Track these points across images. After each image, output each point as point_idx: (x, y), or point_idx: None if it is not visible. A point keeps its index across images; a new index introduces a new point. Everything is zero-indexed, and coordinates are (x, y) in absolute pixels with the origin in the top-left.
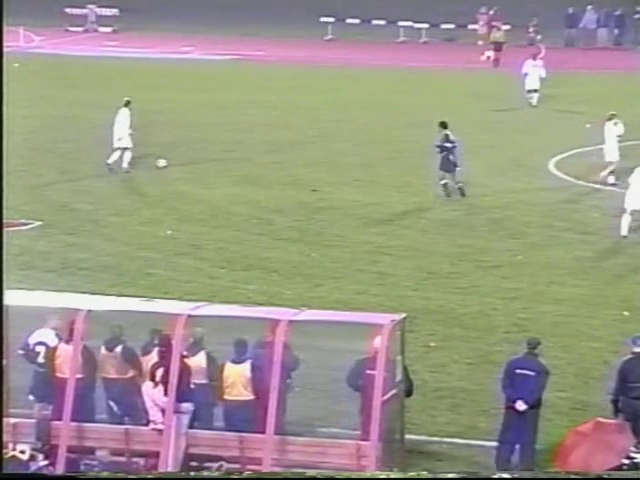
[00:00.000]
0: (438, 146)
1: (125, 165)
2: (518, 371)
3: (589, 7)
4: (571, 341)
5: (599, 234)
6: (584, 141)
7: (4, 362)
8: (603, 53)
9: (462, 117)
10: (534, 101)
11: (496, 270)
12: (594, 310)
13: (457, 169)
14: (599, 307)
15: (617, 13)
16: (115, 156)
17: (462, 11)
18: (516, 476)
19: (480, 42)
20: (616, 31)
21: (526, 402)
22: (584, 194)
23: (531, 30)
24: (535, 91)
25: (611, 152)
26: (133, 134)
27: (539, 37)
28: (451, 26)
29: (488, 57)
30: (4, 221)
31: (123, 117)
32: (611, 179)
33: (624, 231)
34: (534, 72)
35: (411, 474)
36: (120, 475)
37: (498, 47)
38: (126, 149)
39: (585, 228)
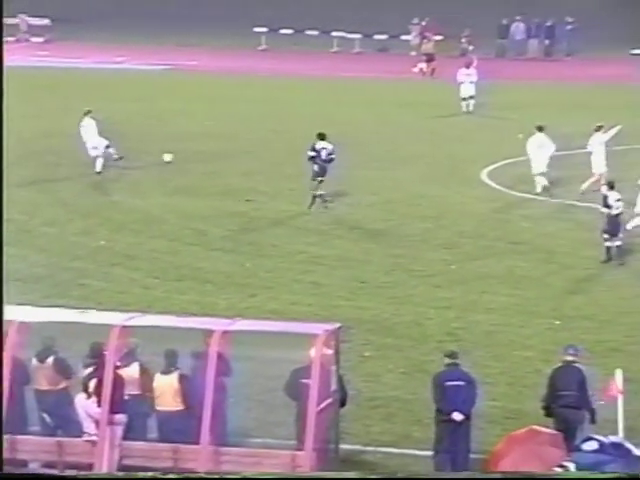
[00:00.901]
0: (311, 157)
1: (98, 169)
2: (448, 383)
3: (519, 18)
4: (503, 350)
5: (530, 244)
6: (516, 151)
7: None
8: (533, 63)
9: (395, 127)
10: (470, 108)
11: (429, 279)
12: (526, 319)
13: (322, 179)
14: (531, 316)
15: (548, 24)
16: (99, 164)
17: (395, 22)
18: (510, 477)
19: (413, 53)
20: (547, 42)
21: (462, 412)
22: (516, 204)
23: (463, 41)
24: (471, 98)
25: (599, 163)
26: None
27: (471, 47)
28: (384, 37)
29: (420, 69)
30: None
31: (90, 126)
32: (604, 189)
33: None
34: (467, 80)
35: (414, 474)
36: (119, 475)
37: (430, 58)
38: (97, 157)
39: (517, 238)
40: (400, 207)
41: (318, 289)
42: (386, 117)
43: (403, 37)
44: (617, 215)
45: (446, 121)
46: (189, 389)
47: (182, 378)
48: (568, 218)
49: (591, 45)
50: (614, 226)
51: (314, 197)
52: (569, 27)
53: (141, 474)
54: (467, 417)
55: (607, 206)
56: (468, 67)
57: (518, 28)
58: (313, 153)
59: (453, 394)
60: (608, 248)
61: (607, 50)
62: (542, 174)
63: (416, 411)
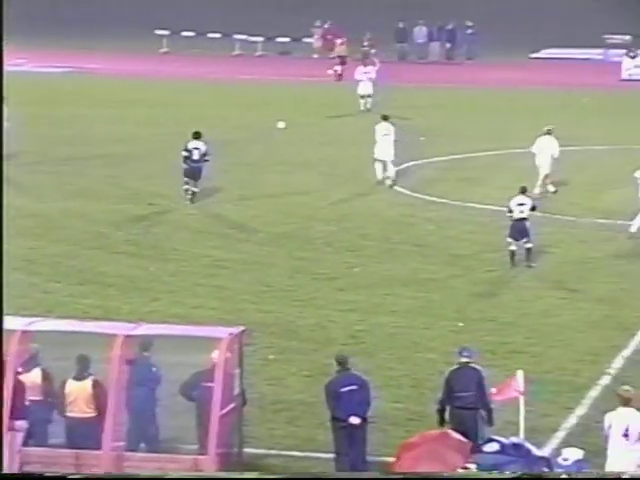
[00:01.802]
0: (185, 156)
1: None
2: (342, 390)
3: (420, 22)
4: (407, 352)
5: (434, 247)
6: (419, 154)
7: None
8: (435, 67)
9: (298, 129)
10: (368, 105)
11: (333, 282)
12: (429, 321)
13: (193, 179)
14: (434, 318)
15: (449, 27)
16: None
17: (297, 24)
18: (509, 476)
19: (315, 55)
20: (448, 45)
21: (358, 416)
22: (419, 207)
23: (365, 44)
24: (369, 96)
25: (546, 163)
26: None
27: (373, 51)
28: (286, 39)
29: (335, 71)
30: None
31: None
32: (552, 188)
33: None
34: (365, 77)
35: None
36: (119, 475)
37: (343, 61)
38: None
39: (421, 240)
40: (304, 210)
41: (222, 293)
42: (289, 120)
43: (305, 40)
44: (519, 220)
45: (349, 124)
46: (104, 395)
47: (96, 384)
48: (471, 221)
49: (491, 49)
50: (515, 230)
51: (192, 195)
52: (469, 31)
53: (142, 474)
54: (364, 420)
55: (510, 210)
56: (366, 65)
57: (420, 32)
58: (186, 153)
59: (347, 399)
60: (512, 252)
61: (506, 54)
62: (382, 162)
63: (320, 414)
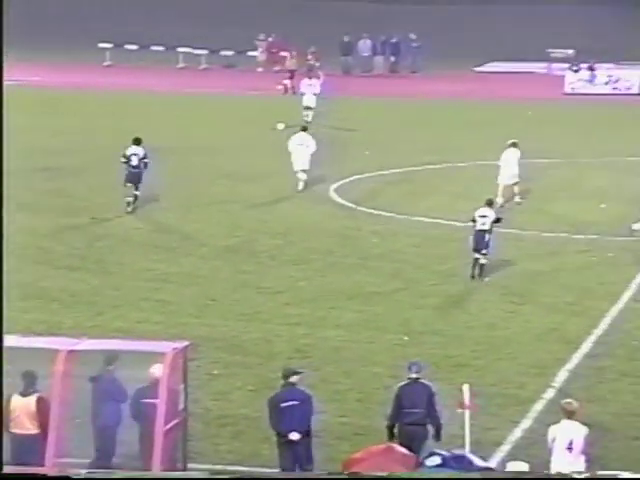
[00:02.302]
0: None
1: None
2: (283, 405)
3: (365, 35)
4: (352, 366)
5: (379, 260)
6: (364, 167)
7: None
8: (379, 80)
9: (244, 142)
10: (309, 118)
11: (278, 296)
12: (375, 335)
13: (135, 184)
14: (379, 332)
15: (393, 41)
16: None
17: (241, 38)
18: (512, 477)
19: (260, 69)
20: (392, 59)
21: (299, 431)
22: (364, 220)
23: (310, 57)
24: (310, 108)
25: (510, 173)
26: None
27: (317, 64)
28: (231, 52)
29: (285, 85)
30: None
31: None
32: (517, 199)
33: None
34: (310, 91)
35: (413, 474)
36: (119, 475)
37: (292, 75)
38: None
39: (365, 254)
40: (248, 223)
41: (166, 307)
42: (234, 132)
43: (250, 53)
44: (480, 231)
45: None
46: (47, 412)
47: (40, 400)
48: (416, 234)
49: (435, 62)
50: (475, 241)
51: (133, 200)
52: (414, 44)
53: (148, 474)
54: (307, 434)
55: (473, 220)
56: (310, 78)
57: (364, 45)
58: (123, 159)
59: (288, 414)
60: (475, 262)
61: (451, 67)
62: (304, 171)
63: (265, 429)
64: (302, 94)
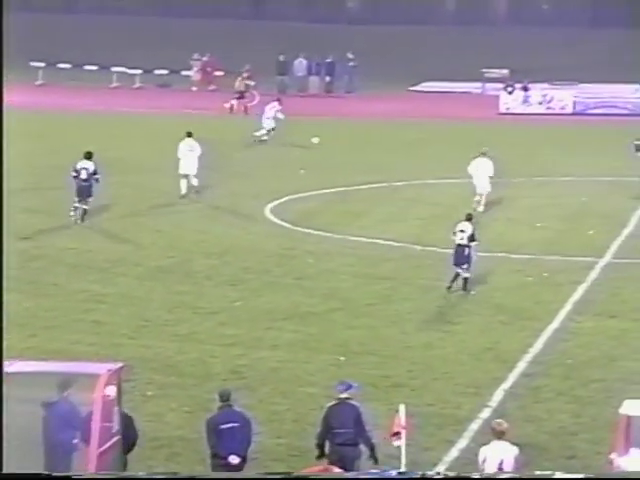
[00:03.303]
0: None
1: None
2: (223, 426)
3: (300, 54)
4: (289, 386)
5: (314, 280)
6: (299, 186)
7: None
8: (315, 100)
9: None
10: (266, 137)
11: (214, 317)
12: (311, 355)
13: (85, 198)
14: (316, 352)
15: (328, 61)
16: None
17: (176, 57)
18: (513, 476)
19: (194, 88)
20: (328, 78)
21: (239, 455)
22: (300, 240)
23: (244, 76)
24: (273, 129)
25: (483, 184)
26: None
27: (252, 83)
28: (165, 72)
29: (232, 105)
30: None
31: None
32: (481, 208)
33: None
34: (271, 113)
35: (414, 474)
36: (119, 475)
37: (241, 95)
38: None
39: (301, 274)
40: (184, 244)
41: (100, 328)
42: (168, 152)
43: (184, 72)
44: (459, 245)
45: (229, 156)
46: None
47: None
48: (351, 253)
49: (371, 82)
50: (455, 255)
51: (82, 214)
52: (351, 64)
53: (141, 474)
54: (243, 458)
55: (454, 234)
56: (280, 103)
57: (300, 65)
58: (74, 173)
59: (229, 437)
60: (456, 274)
61: (386, 87)
62: (186, 176)
63: (200, 451)
64: (263, 115)
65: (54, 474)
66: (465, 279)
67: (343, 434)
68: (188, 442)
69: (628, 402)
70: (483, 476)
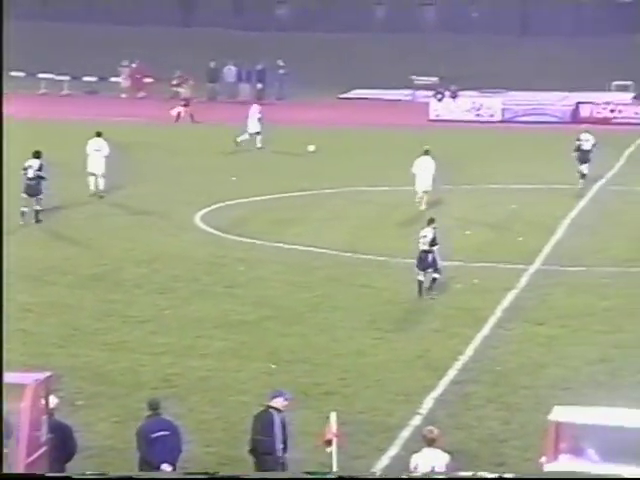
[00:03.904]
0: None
1: None
2: (154, 435)
3: (230, 61)
4: (219, 395)
5: (245, 287)
6: (230, 194)
7: None
8: (245, 106)
9: (107, 169)
10: (259, 143)
11: (143, 325)
12: (242, 363)
13: (39, 196)
14: (247, 360)
15: (259, 68)
16: None
17: (104, 64)
18: (512, 476)
19: (123, 95)
20: (259, 85)
21: (170, 463)
22: (230, 247)
23: (174, 82)
24: (258, 134)
25: (425, 182)
26: None
27: (182, 90)
28: (93, 79)
29: (178, 113)
30: None
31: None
32: (423, 207)
33: None
34: (254, 116)
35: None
36: (120, 475)
37: (186, 103)
38: None
39: (232, 281)
40: (114, 251)
41: (28, 337)
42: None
43: (113, 79)
44: (422, 251)
45: (158, 164)
46: None
47: None
48: (282, 261)
49: (302, 89)
50: (419, 260)
51: (35, 214)
52: (281, 71)
53: (142, 474)
54: (174, 467)
55: (418, 240)
56: (261, 105)
57: (229, 72)
58: (23, 171)
59: (160, 445)
60: (419, 282)
61: (316, 95)
62: (93, 175)
63: (130, 460)
64: (248, 119)
65: (54, 474)
66: (434, 279)
67: (264, 442)
68: (118, 452)
69: (557, 408)
70: (483, 476)
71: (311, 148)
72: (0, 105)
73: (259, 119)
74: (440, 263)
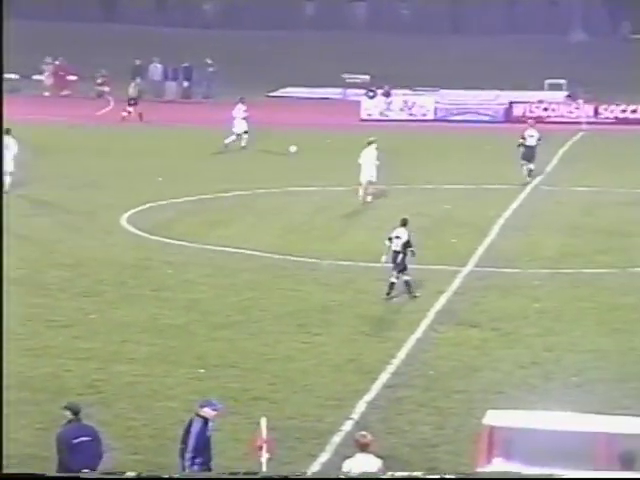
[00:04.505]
0: None
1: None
2: (75, 441)
3: (155, 59)
4: (146, 401)
5: (173, 290)
6: (157, 195)
7: None
8: (171, 105)
9: (31, 172)
10: (244, 143)
11: (68, 330)
12: (170, 368)
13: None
14: (175, 365)
15: (185, 65)
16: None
17: (26, 61)
18: (507, 477)
19: (46, 93)
20: (185, 84)
21: (92, 468)
22: (157, 250)
23: (99, 81)
24: (245, 132)
25: (368, 171)
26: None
27: (107, 89)
28: (15, 76)
29: (129, 112)
30: None
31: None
32: (369, 198)
33: None
34: (240, 115)
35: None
36: (121, 475)
37: (135, 102)
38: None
39: (159, 285)
40: (36, 254)
41: None
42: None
43: (35, 77)
44: (395, 252)
45: (81, 165)
46: None
47: None
48: (210, 264)
49: (229, 88)
50: (393, 262)
51: None
52: (210, 69)
53: (144, 474)
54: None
55: (389, 239)
56: (243, 103)
57: (155, 69)
58: None
59: (82, 451)
60: (391, 284)
61: (244, 93)
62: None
63: (51, 469)
64: (233, 118)
65: (54, 474)
66: (406, 282)
67: (180, 450)
68: (41, 460)
69: (491, 412)
70: (487, 476)
71: (293, 149)
72: (0, 105)
73: (244, 118)
74: (408, 267)
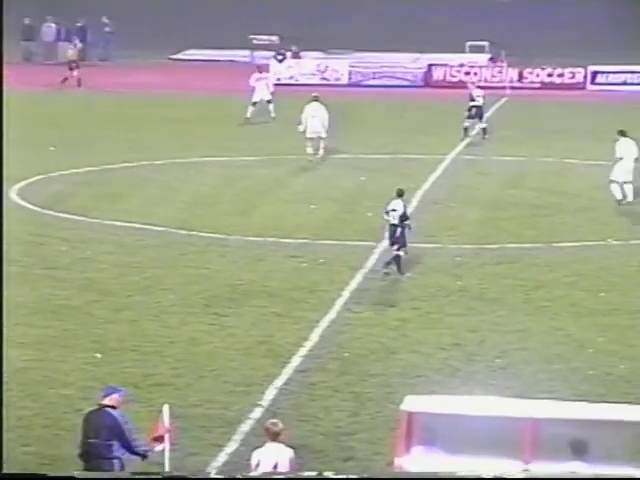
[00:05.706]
0: None
1: None
2: None
3: (48, 17)
4: (39, 388)
5: (68, 269)
6: (50, 166)
7: None
8: (65, 69)
9: None
10: (273, 114)
11: None
12: (64, 353)
13: None
14: (70, 350)
15: (79, 25)
16: None
17: None
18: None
19: None
20: (79, 45)
21: None
22: (51, 225)
23: None
24: (269, 102)
25: (316, 127)
26: None
27: None
28: None
29: (66, 77)
30: None
31: None
32: (321, 152)
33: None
34: (260, 83)
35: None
36: (123, 475)
37: (75, 66)
38: None
39: (53, 263)
40: None
41: None
42: None
43: None
44: (392, 225)
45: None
46: None
47: None
48: (109, 240)
49: (129, 50)
50: (390, 236)
51: None
52: (107, 29)
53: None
54: None
55: (387, 212)
56: (261, 71)
57: (49, 29)
58: None
59: None
60: (397, 256)
61: (145, 56)
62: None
63: None
64: (253, 88)
65: (54, 474)
66: (397, 256)
67: (94, 445)
68: None
69: (409, 398)
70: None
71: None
72: (0, 101)
73: (266, 85)
74: (408, 241)
